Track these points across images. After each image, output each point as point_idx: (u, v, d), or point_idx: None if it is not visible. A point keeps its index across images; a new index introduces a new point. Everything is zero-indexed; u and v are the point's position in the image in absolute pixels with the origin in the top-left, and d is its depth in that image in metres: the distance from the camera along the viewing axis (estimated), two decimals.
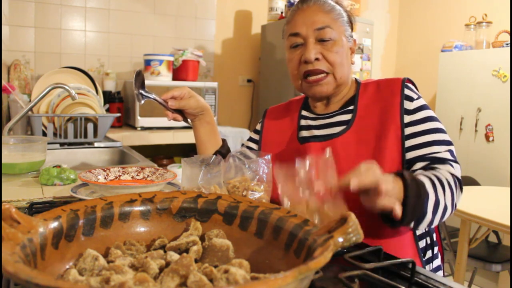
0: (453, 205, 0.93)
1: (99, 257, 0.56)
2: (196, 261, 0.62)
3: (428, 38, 3.84)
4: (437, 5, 3.77)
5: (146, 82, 2.66)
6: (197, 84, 2.82)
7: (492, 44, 3.08)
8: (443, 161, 1.00)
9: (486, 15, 3.18)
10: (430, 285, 0.68)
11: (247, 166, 0.93)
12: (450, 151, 1.01)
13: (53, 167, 1.34)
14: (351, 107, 1.11)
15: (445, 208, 0.91)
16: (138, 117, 2.61)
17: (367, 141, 1.05)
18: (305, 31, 1.07)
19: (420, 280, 0.69)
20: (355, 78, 1.19)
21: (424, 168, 0.99)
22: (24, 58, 2.67)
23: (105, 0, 2.89)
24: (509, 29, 3.05)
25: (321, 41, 1.06)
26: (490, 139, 2.93)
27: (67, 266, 0.59)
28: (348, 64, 1.10)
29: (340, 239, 0.51)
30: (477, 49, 3.14)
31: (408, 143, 1.03)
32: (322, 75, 1.07)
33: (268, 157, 0.96)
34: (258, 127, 1.31)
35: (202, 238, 0.67)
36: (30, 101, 2.12)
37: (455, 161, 1.01)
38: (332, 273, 0.64)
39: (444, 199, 0.90)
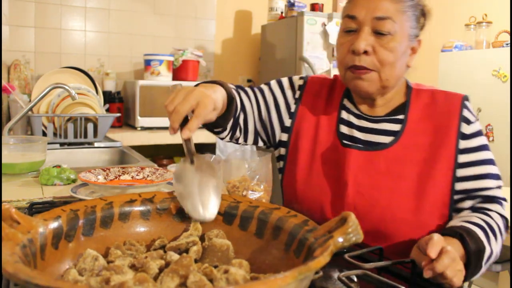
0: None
1: (99, 257, 0.56)
2: (196, 261, 0.62)
3: (428, 38, 3.84)
4: (437, 5, 3.77)
5: (146, 82, 2.67)
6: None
7: (492, 44, 3.08)
8: (493, 199, 0.94)
9: (486, 15, 3.18)
10: (430, 285, 0.68)
11: (247, 166, 0.93)
12: (500, 187, 0.95)
13: (53, 167, 1.34)
14: (401, 116, 0.99)
15: (496, 256, 0.88)
16: (138, 117, 2.61)
17: (415, 161, 0.94)
18: (363, 16, 0.92)
19: (420, 280, 0.69)
20: (406, 81, 1.05)
21: (473, 208, 0.94)
22: (24, 58, 2.67)
23: (105, 0, 2.89)
24: (509, 29, 3.05)
25: (377, 33, 0.92)
26: (490, 139, 2.93)
27: (67, 266, 0.59)
28: (401, 66, 0.96)
29: (340, 239, 0.51)
30: (477, 49, 3.14)
31: (460, 172, 0.94)
32: (366, 70, 0.94)
33: (268, 156, 0.96)
34: (297, 94, 1.10)
35: (202, 238, 0.67)
36: (30, 101, 2.12)
37: (504, 199, 0.96)
38: (332, 272, 0.64)
39: (496, 248, 0.88)
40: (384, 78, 0.94)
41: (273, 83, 1.13)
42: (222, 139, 1.07)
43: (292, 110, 1.08)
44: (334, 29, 2.78)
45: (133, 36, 3.00)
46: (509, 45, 2.88)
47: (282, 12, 3.10)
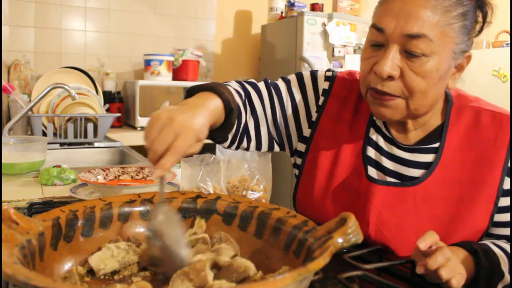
0: None
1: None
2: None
3: None
4: None
5: (146, 82, 2.67)
6: (197, 84, 2.82)
7: (492, 44, 3.08)
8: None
9: None
10: (430, 286, 0.68)
11: (247, 166, 0.93)
12: None
13: (53, 167, 1.34)
14: (436, 144, 0.83)
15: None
16: (138, 117, 2.61)
17: (448, 199, 0.80)
18: (391, 31, 0.74)
19: (420, 281, 0.69)
20: (446, 93, 0.87)
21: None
22: (24, 58, 2.67)
23: (105, 0, 2.89)
24: (509, 29, 3.04)
25: (408, 53, 0.74)
26: None
27: (66, 267, 0.59)
28: (435, 92, 0.78)
29: (340, 240, 0.51)
30: (477, 49, 3.14)
31: (499, 217, 0.80)
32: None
33: (268, 156, 0.96)
34: (320, 100, 0.93)
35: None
36: (30, 101, 2.12)
37: None
38: (331, 273, 0.64)
39: None
40: (413, 107, 0.77)
41: (294, 83, 0.95)
42: (226, 147, 0.92)
43: (313, 118, 0.93)
44: (334, 29, 2.78)
45: (133, 36, 3.00)
46: (509, 45, 2.88)
47: (282, 12, 3.10)
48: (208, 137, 0.81)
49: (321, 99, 0.93)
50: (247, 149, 0.95)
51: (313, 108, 0.94)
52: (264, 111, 0.93)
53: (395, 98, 0.77)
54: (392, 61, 0.74)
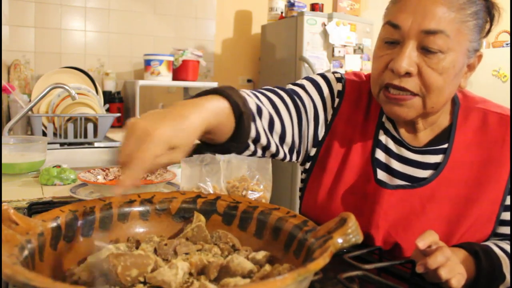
0: None
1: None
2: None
3: None
4: None
5: (146, 82, 2.67)
6: (197, 84, 2.82)
7: (492, 44, 3.08)
8: None
9: None
10: (429, 286, 0.68)
11: (246, 165, 0.92)
12: None
13: (53, 167, 1.34)
14: (444, 145, 0.83)
15: None
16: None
17: (454, 199, 0.80)
18: (408, 27, 0.74)
19: (420, 281, 0.69)
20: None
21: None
22: (24, 58, 2.67)
23: (105, 0, 2.89)
24: (509, 29, 3.04)
25: (425, 49, 0.74)
26: None
27: (66, 268, 0.59)
28: (451, 90, 0.78)
29: (340, 240, 0.51)
30: None
31: (505, 216, 0.80)
32: (407, 93, 0.76)
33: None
34: (335, 102, 0.91)
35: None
36: (30, 101, 2.12)
37: None
38: (331, 273, 0.64)
39: None
40: (429, 105, 0.77)
41: (310, 87, 0.91)
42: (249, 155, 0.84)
43: (329, 121, 0.91)
44: (334, 29, 2.78)
45: (133, 36, 3.00)
46: (509, 45, 2.88)
47: (282, 12, 3.10)
48: (222, 151, 0.75)
49: (336, 101, 0.92)
50: (274, 156, 0.87)
51: (330, 112, 0.92)
52: (290, 117, 0.87)
53: (412, 97, 0.77)
54: (409, 58, 0.74)
